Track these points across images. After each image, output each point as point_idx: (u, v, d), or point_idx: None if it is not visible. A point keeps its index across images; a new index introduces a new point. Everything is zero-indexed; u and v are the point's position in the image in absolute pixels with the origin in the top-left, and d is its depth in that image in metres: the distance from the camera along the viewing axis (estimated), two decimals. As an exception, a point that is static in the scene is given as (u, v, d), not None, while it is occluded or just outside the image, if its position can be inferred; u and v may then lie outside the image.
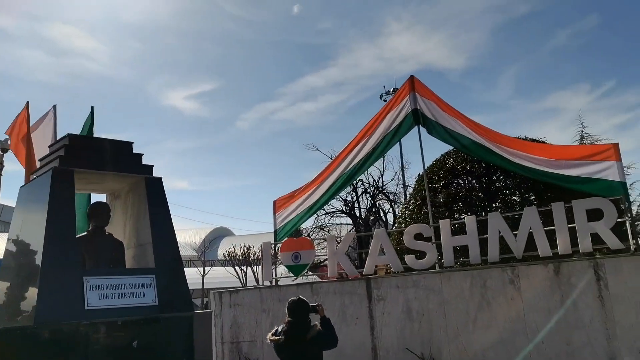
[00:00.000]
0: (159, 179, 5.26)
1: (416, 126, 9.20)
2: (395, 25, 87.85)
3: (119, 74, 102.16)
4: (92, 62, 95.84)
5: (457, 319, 6.86)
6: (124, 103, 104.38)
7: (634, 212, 7.28)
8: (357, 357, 7.36)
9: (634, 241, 6.43)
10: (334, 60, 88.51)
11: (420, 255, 7.64)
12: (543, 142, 10.03)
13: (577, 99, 75.12)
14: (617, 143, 7.64)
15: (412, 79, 9.30)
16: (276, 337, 4.50)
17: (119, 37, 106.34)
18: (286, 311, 4.59)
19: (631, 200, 10.65)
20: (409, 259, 7.48)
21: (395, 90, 24.69)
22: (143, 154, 5.29)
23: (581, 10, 78.85)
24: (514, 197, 9.84)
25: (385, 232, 8.01)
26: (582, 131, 16.75)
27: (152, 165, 5.27)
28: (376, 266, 7.83)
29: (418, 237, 7.66)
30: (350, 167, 9.56)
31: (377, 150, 9.51)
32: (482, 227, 7.25)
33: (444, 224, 7.38)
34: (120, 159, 5.10)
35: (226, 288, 9.53)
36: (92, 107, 9.27)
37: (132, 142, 5.27)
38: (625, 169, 9.05)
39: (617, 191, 7.10)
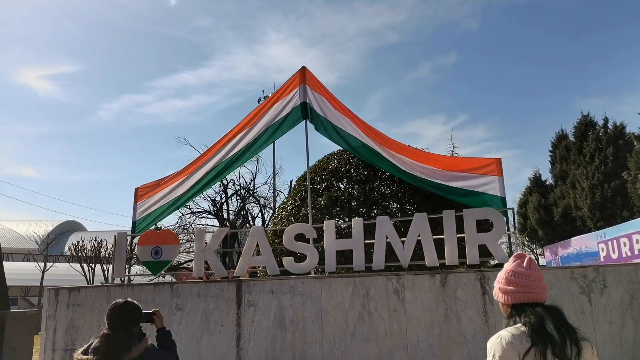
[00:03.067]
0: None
1: (303, 121, 8.53)
2: (274, 34, 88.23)
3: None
4: None
5: (334, 330, 6.21)
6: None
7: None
8: (217, 371, 6.38)
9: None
10: (209, 60, 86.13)
11: (300, 258, 6.91)
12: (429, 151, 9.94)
13: (434, 127, 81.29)
14: (500, 158, 7.64)
15: (303, 69, 8.59)
16: (84, 358, 3.14)
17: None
18: (105, 319, 3.31)
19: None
20: (287, 261, 6.71)
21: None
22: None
23: (443, 47, 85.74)
24: (393, 206, 9.61)
25: (262, 230, 7.15)
26: (452, 151, 17.54)
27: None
28: (249, 267, 6.95)
29: (299, 238, 6.93)
30: (227, 158, 8.59)
31: (258, 142, 8.64)
32: (367, 232, 6.73)
33: (329, 226, 6.73)
34: None
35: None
36: None
37: None
38: None
39: (497, 206, 7.05)
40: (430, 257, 6.26)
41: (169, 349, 3.50)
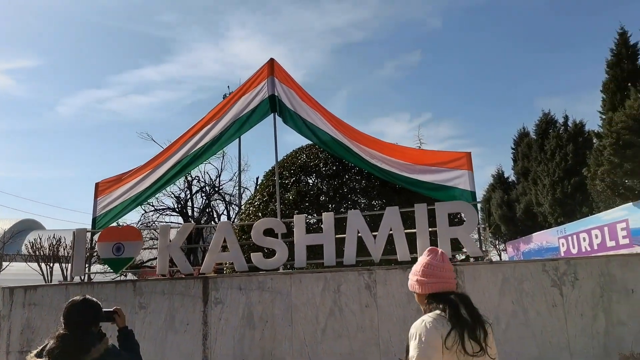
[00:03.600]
0: None
1: (272, 114, 8.30)
2: (239, 31, 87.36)
3: None
4: None
5: (305, 327, 6.04)
6: None
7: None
8: (183, 371, 6.13)
9: (486, 250, 6.33)
10: (173, 56, 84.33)
11: (269, 253, 6.72)
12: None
13: (399, 125, 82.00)
14: (470, 152, 7.62)
15: (272, 61, 8.36)
16: None
17: None
18: (61, 319, 3.03)
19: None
20: (256, 257, 6.50)
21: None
22: None
23: (408, 46, 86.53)
24: (362, 200, 9.52)
25: (230, 225, 6.92)
26: (420, 148, 17.64)
27: None
28: (216, 264, 6.72)
29: (267, 233, 6.74)
30: (192, 152, 8.30)
31: (225, 136, 8.36)
32: (337, 227, 6.59)
33: (299, 220, 6.56)
34: None
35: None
36: None
37: None
38: None
39: (467, 200, 7.01)
40: (402, 252, 6.16)
41: (132, 349, 3.26)
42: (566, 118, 26.76)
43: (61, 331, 2.95)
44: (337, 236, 6.43)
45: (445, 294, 2.38)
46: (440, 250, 2.53)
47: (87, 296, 3.16)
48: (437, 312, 2.32)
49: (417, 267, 2.51)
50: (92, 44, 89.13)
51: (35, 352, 2.93)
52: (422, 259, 2.51)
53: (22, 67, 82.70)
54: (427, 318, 2.31)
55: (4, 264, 23.71)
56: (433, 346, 2.20)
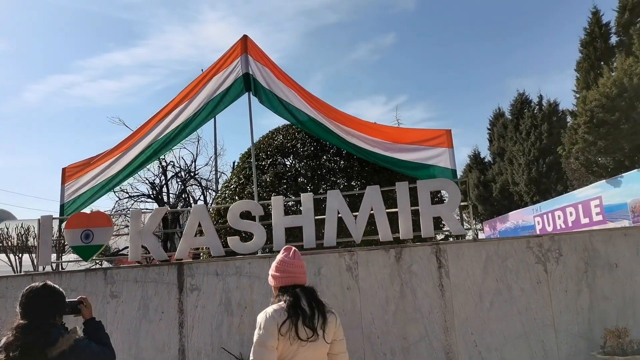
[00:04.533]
0: None
1: (246, 93, 7.99)
2: (210, 13, 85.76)
3: None
4: None
5: (285, 311, 5.85)
6: None
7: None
8: (159, 361, 5.90)
9: (469, 228, 6.20)
10: (143, 39, 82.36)
11: (246, 237, 6.48)
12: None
13: (375, 108, 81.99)
14: (450, 130, 7.45)
15: (245, 38, 8.00)
16: None
17: None
18: (18, 308, 2.72)
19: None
20: (233, 241, 6.26)
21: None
22: None
23: (381, 28, 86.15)
24: (340, 181, 9.32)
25: (205, 208, 6.64)
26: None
27: None
28: (191, 249, 6.46)
29: (244, 216, 6.49)
30: (164, 135, 7.95)
31: (198, 117, 8.02)
32: (316, 208, 6.38)
33: (276, 201, 6.33)
34: None
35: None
36: None
37: None
38: None
39: (448, 178, 6.87)
40: (383, 232, 5.99)
41: (103, 342, 2.92)
42: (540, 98, 27.00)
43: (20, 321, 2.62)
44: (316, 217, 6.22)
45: (292, 286, 2.76)
46: (293, 248, 2.88)
47: (48, 282, 2.84)
48: (281, 303, 2.69)
49: (273, 263, 2.88)
50: (57, 27, 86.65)
51: None
52: (278, 256, 2.88)
53: (-15, 52, 79.89)
54: (269, 309, 2.70)
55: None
56: (270, 333, 2.60)
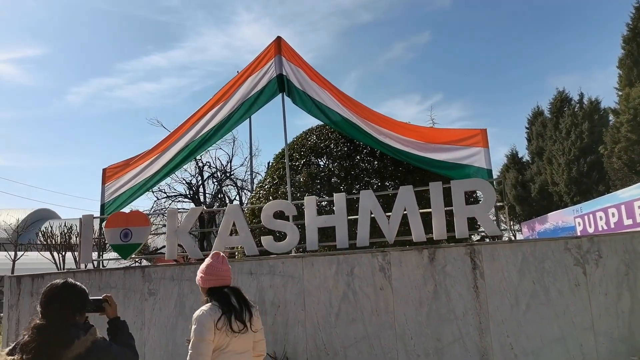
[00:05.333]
0: None
1: (280, 94, 8.08)
2: (245, 14, 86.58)
3: None
4: None
5: (318, 311, 5.88)
6: None
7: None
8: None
9: (505, 228, 6.09)
10: (180, 42, 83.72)
11: (280, 236, 6.55)
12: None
13: (409, 108, 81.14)
14: (485, 129, 7.35)
15: (279, 40, 8.11)
16: (8, 359, 2.37)
17: None
18: (38, 307, 2.55)
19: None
20: (266, 240, 6.33)
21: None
22: None
23: (416, 26, 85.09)
24: (373, 181, 9.29)
25: (239, 208, 6.75)
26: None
27: None
28: (226, 248, 6.56)
29: (278, 215, 6.56)
30: (200, 136, 8.12)
31: (233, 118, 8.17)
32: (349, 208, 6.39)
33: (309, 201, 6.37)
34: None
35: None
36: None
37: None
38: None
39: (483, 178, 6.76)
40: (417, 232, 5.95)
41: (126, 342, 2.74)
42: (581, 95, 26.22)
43: (37, 321, 2.46)
44: (349, 218, 6.23)
45: (220, 288, 3.05)
46: (221, 254, 3.19)
47: (70, 280, 2.68)
48: (214, 302, 2.97)
49: (202, 266, 3.13)
50: (97, 31, 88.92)
51: (7, 349, 2.46)
52: (206, 260, 3.16)
53: (27, 56, 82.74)
54: (204, 307, 2.94)
55: (19, 253, 23.86)
56: (207, 328, 2.83)
